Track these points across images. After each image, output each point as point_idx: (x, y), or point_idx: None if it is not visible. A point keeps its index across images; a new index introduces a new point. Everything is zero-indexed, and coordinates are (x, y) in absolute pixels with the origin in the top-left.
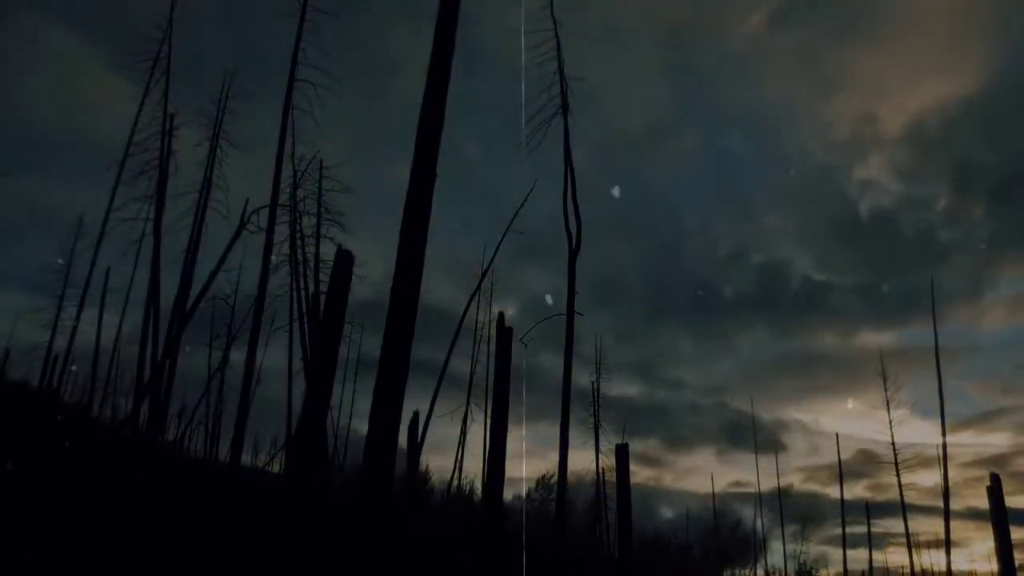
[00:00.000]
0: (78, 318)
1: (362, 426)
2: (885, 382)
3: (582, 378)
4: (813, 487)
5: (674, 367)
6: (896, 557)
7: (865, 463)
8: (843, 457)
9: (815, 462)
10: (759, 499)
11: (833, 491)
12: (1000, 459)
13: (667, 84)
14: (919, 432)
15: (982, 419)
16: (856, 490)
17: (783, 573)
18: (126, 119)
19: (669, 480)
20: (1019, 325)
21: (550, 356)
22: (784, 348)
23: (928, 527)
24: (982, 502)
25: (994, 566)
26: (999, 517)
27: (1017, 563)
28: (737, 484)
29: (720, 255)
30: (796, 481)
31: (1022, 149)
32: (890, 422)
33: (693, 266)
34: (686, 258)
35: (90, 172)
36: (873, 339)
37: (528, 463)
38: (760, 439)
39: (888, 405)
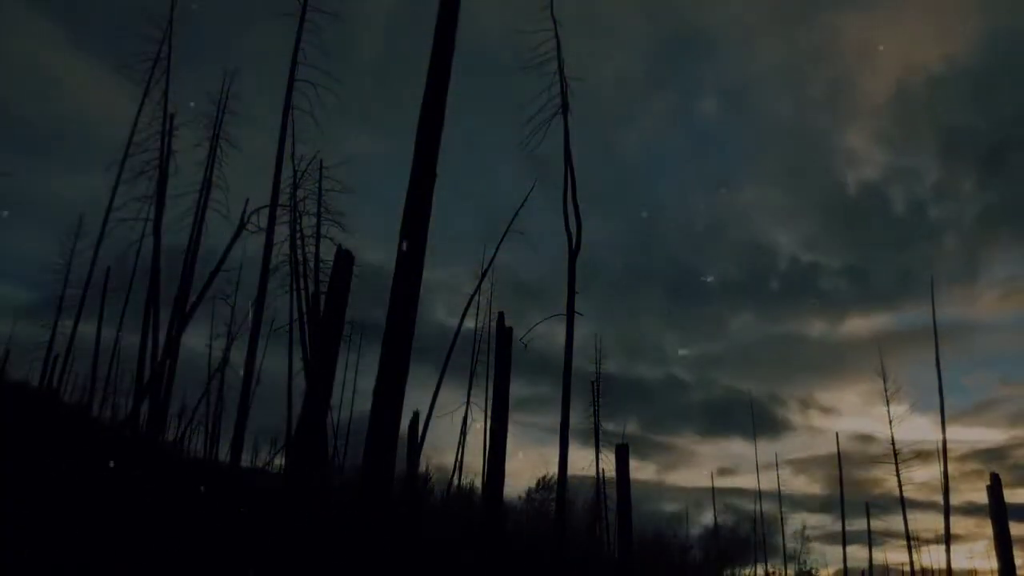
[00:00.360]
0: (78, 318)
1: (362, 426)
2: (885, 382)
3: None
4: (804, 482)
5: (654, 351)
6: (894, 555)
7: (862, 458)
8: (832, 445)
9: (806, 454)
10: (759, 496)
11: (822, 487)
12: (997, 453)
13: (642, 51)
14: (916, 427)
15: (977, 410)
16: (849, 483)
17: (783, 573)
18: (124, 118)
19: (653, 472)
20: (1015, 310)
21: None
22: (772, 332)
23: (925, 522)
24: (979, 496)
25: (993, 563)
26: (999, 517)
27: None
28: (726, 472)
29: (702, 233)
30: (787, 474)
31: (1010, 116)
32: (890, 422)
33: (676, 246)
34: (667, 237)
35: (90, 172)
36: (863, 324)
37: (521, 459)
38: (749, 427)
39: (888, 405)
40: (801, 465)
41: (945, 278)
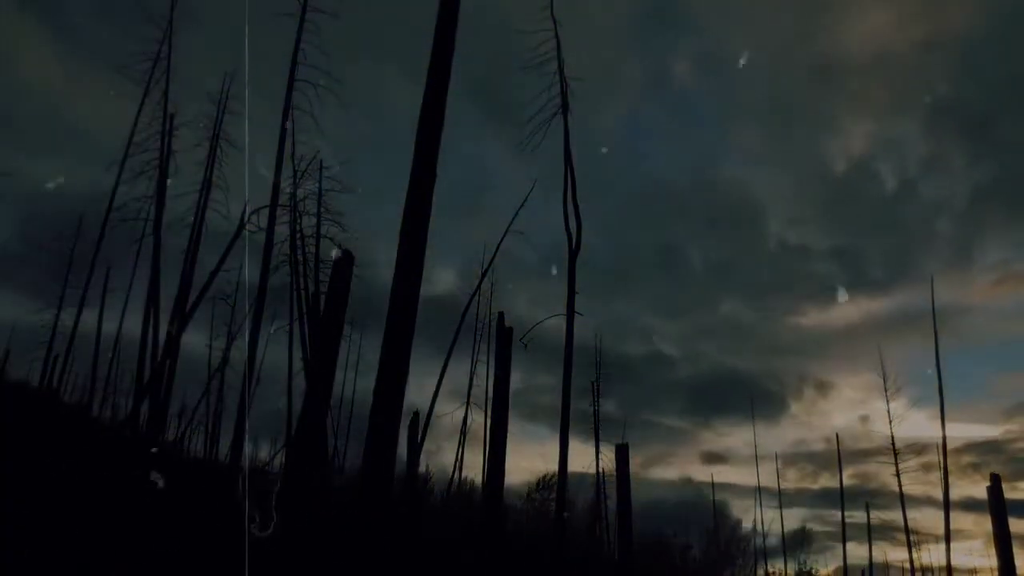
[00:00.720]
0: (78, 318)
1: (362, 426)
2: (885, 381)
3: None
4: (795, 475)
5: (639, 329)
6: (894, 553)
7: (848, 452)
8: (823, 437)
9: (796, 449)
10: (758, 491)
11: (812, 484)
12: (993, 445)
13: (621, 26)
14: (914, 422)
15: (973, 402)
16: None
17: (783, 573)
18: (125, 118)
19: (638, 464)
20: (1011, 295)
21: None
22: (758, 315)
23: (924, 518)
24: (975, 491)
25: (991, 561)
26: (999, 516)
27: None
28: (712, 459)
29: (684, 212)
30: (776, 466)
31: (999, 85)
32: (890, 422)
33: (657, 223)
34: (650, 213)
35: (89, 171)
36: (852, 306)
37: (521, 456)
38: (733, 411)
39: (888, 406)
40: (790, 458)
41: (937, 262)
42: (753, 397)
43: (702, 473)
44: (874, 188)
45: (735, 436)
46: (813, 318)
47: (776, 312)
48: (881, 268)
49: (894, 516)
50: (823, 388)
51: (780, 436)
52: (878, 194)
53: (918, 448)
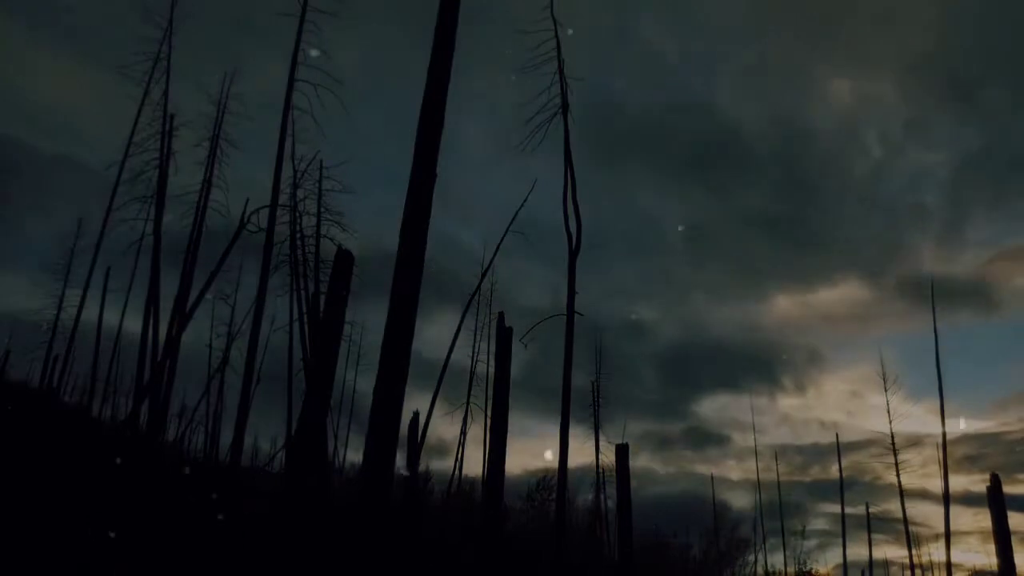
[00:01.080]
0: (78, 318)
1: (362, 426)
2: (885, 382)
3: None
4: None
5: (617, 305)
6: (893, 551)
7: (847, 445)
8: (817, 426)
9: (787, 443)
10: (759, 487)
11: (804, 476)
12: (988, 438)
13: None
14: (909, 412)
15: (969, 395)
16: (833, 469)
17: (783, 573)
18: (115, 118)
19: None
20: (1005, 282)
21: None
22: (745, 296)
23: (916, 511)
24: (972, 485)
25: (989, 559)
26: (999, 517)
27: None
28: (698, 441)
29: (664, 185)
30: (766, 461)
31: (986, 48)
32: (890, 422)
33: (633, 195)
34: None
35: (88, 172)
36: (842, 293)
37: (522, 454)
38: (717, 387)
39: (888, 406)
40: (780, 449)
41: (925, 240)
42: (752, 396)
43: (691, 461)
44: (860, 164)
45: (719, 418)
46: (804, 297)
47: (760, 293)
48: (877, 248)
49: (888, 508)
50: (814, 367)
51: (769, 424)
52: (864, 170)
53: (914, 440)
